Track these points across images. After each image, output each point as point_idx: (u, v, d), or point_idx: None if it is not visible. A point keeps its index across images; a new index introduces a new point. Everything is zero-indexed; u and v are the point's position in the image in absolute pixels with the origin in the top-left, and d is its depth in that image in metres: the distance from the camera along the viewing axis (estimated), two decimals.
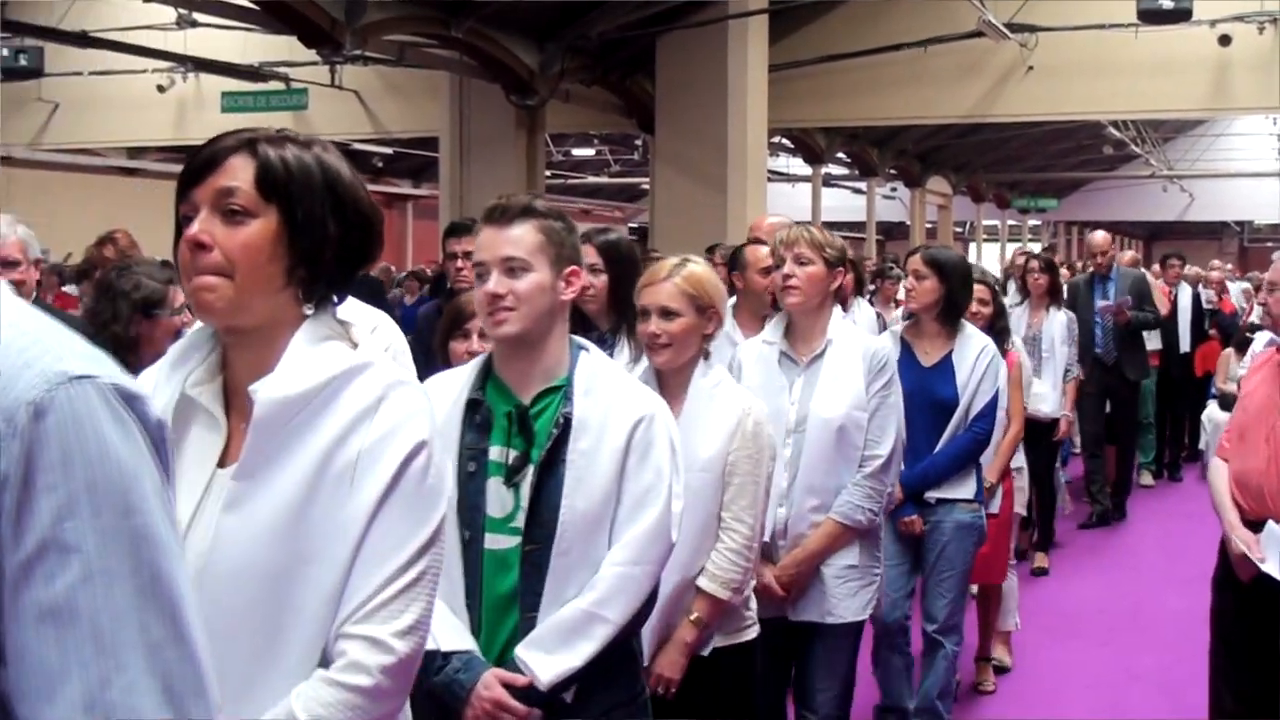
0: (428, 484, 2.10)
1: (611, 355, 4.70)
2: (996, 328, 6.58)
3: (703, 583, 3.76)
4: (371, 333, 3.60)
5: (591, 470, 3.00)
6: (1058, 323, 9.05)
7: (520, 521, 3.03)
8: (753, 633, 3.99)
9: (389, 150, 25.76)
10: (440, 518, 2.12)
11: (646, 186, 20.42)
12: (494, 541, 3.05)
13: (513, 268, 3.01)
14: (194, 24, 16.10)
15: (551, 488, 3.00)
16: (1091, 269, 10.86)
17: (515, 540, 3.03)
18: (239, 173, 2.09)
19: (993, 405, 5.66)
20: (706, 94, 14.37)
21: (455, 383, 3.19)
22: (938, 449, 5.59)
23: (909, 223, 29.07)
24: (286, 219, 2.08)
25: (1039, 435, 8.34)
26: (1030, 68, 16.81)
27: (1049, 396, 8.66)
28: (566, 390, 3.05)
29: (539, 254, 3.03)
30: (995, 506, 6.42)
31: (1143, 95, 17.21)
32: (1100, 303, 10.26)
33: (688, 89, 14.59)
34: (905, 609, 5.69)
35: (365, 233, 2.18)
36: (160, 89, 19.04)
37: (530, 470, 3.03)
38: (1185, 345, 13.24)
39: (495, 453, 3.07)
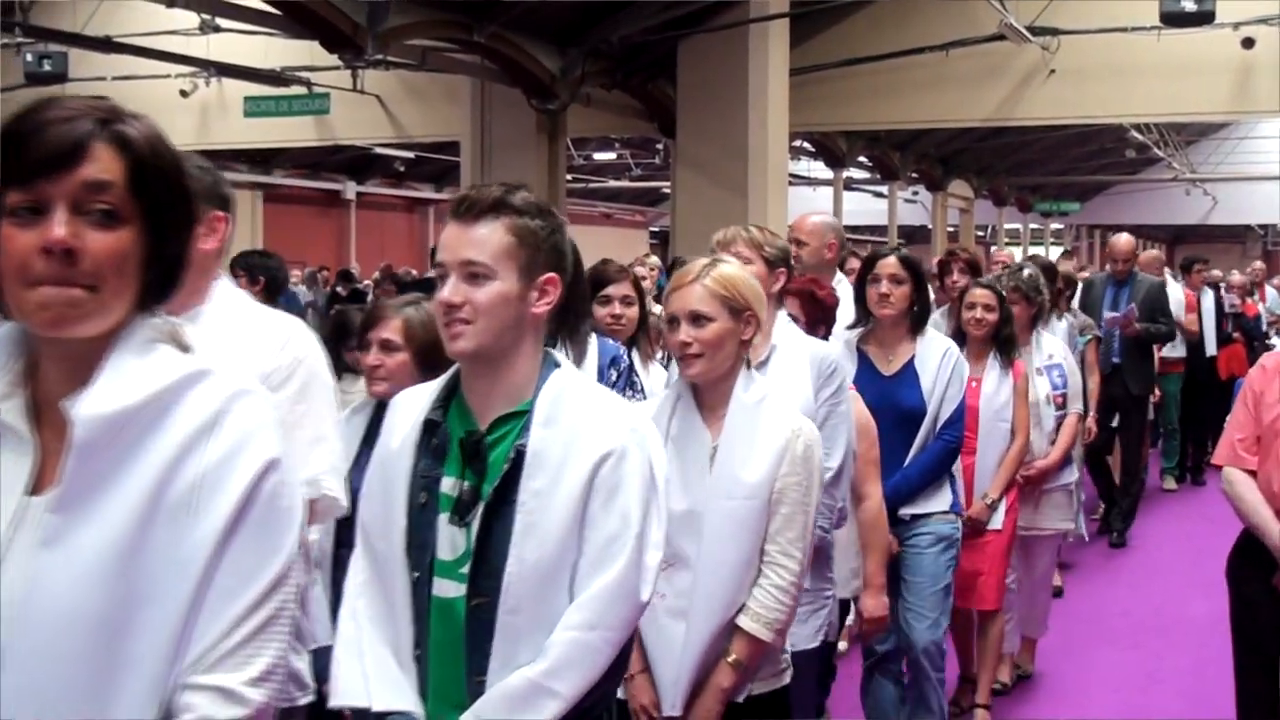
0: (280, 507, 1.81)
1: None
2: (1002, 336, 6.22)
3: (744, 622, 3.42)
4: (282, 348, 3.22)
5: (545, 514, 2.58)
6: (1059, 331, 8.13)
7: (469, 568, 2.63)
8: (789, 676, 3.71)
9: (410, 154, 25.83)
10: (294, 547, 1.82)
11: (667, 190, 20.42)
12: (441, 588, 2.65)
13: (474, 273, 2.61)
14: (217, 29, 16.15)
15: (500, 532, 2.60)
16: (1109, 271, 10.64)
17: (462, 589, 2.63)
18: (108, 164, 1.82)
19: (961, 410, 5.36)
20: (728, 97, 14.36)
21: (421, 399, 2.79)
22: (908, 462, 5.28)
23: (930, 226, 29.01)
24: (152, 221, 1.80)
25: None
26: (1052, 71, 16.77)
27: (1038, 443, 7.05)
28: (528, 417, 2.64)
29: (506, 259, 2.62)
30: (998, 523, 6.07)
31: (1165, 98, 17.15)
32: (1107, 314, 10.00)
33: (709, 93, 14.59)
34: (896, 636, 5.38)
35: (191, 224, 1.89)
36: (183, 94, 19.10)
37: (480, 509, 2.63)
38: (1211, 349, 13.13)
39: (448, 484, 2.67)
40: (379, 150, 24.60)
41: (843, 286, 6.26)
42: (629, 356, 4.97)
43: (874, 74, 17.01)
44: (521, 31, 14.09)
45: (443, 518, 2.65)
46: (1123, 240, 10.63)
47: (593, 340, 4.74)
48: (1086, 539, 8.99)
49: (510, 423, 2.66)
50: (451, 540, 2.64)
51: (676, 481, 3.34)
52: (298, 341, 3.33)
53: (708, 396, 3.53)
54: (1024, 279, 6.93)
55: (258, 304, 3.42)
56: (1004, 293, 6.44)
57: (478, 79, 15.44)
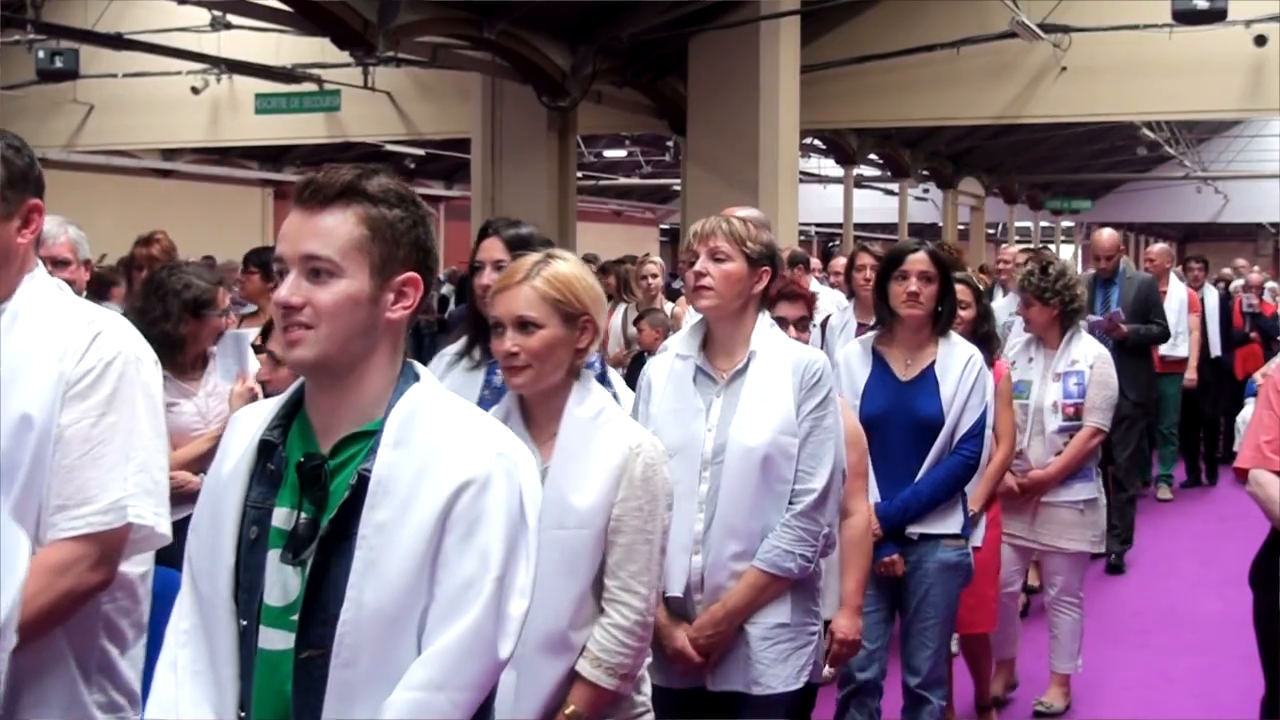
0: None
1: None
2: (980, 334, 5.76)
3: (582, 668, 3.05)
4: (89, 349, 2.72)
5: (389, 551, 2.19)
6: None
7: (300, 615, 2.24)
8: None
9: (421, 152, 25.83)
10: None
11: (678, 188, 20.43)
12: (268, 638, 2.25)
13: (317, 269, 2.24)
14: (228, 26, 16.17)
15: (337, 572, 2.20)
16: (1094, 270, 9.82)
17: (291, 640, 2.23)
18: None
19: (982, 423, 4.95)
20: (738, 95, 14.36)
21: (259, 416, 2.39)
22: (920, 476, 4.88)
23: (941, 224, 28.98)
24: None
25: None
26: (1064, 68, 16.74)
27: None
28: (377, 438, 2.25)
29: (355, 253, 2.25)
30: (978, 539, 5.58)
31: (1177, 96, 17.12)
32: (1090, 318, 8.80)
33: (719, 90, 14.58)
34: (882, 664, 5.00)
35: None
36: (194, 91, 19.13)
37: (315, 545, 2.25)
38: (1216, 349, 12.73)
39: (281, 516, 2.27)
40: (389, 147, 24.59)
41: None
42: (601, 362, 4.29)
43: (885, 71, 16.99)
44: (532, 28, 14.09)
45: (273, 555, 2.26)
46: (1105, 235, 9.86)
47: None
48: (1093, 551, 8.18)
49: (357, 444, 2.27)
50: (283, 583, 2.25)
51: None
52: (109, 341, 2.77)
53: (537, 412, 3.16)
54: (1031, 280, 6.52)
55: (73, 297, 2.91)
56: (1024, 290, 6.27)
57: (488, 76, 15.44)
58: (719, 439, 3.77)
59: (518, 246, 4.06)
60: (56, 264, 5.25)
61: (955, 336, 5.04)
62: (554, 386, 3.11)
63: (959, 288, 5.61)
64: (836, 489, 3.90)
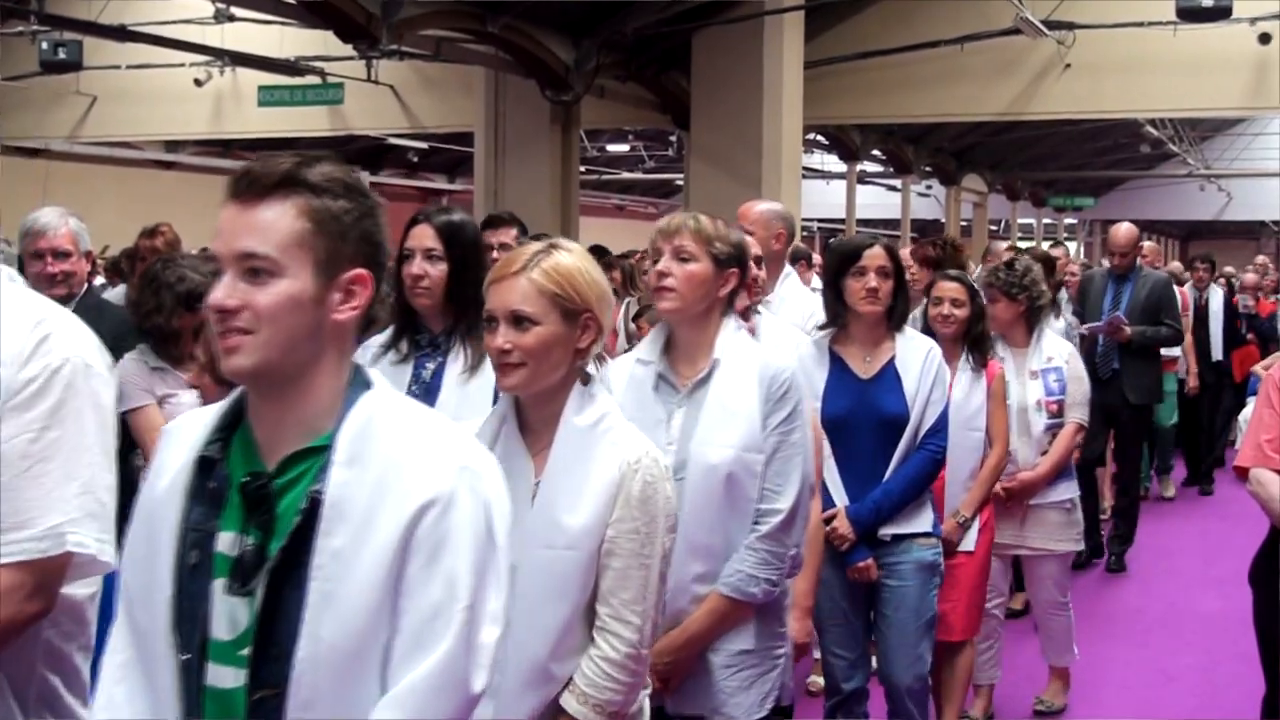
0: None
1: (444, 367, 4.03)
2: (974, 334, 5.66)
3: (567, 702, 2.83)
4: (34, 355, 2.39)
5: (347, 581, 2.00)
6: (1049, 329, 7.60)
7: (250, 651, 2.05)
8: None
9: (424, 145, 25.80)
10: None
11: (681, 183, 20.41)
12: (217, 675, 2.07)
13: (254, 268, 2.05)
14: (231, 18, 16.15)
15: (291, 604, 2.02)
16: (1109, 266, 9.64)
17: (243, 678, 2.05)
18: None
19: (945, 417, 4.83)
20: (742, 90, 14.34)
21: (196, 428, 2.18)
22: (888, 475, 4.77)
23: (944, 220, 28.97)
24: None
25: None
26: (1068, 65, 16.71)
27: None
28: (328, 454, 2.05)
29: (296, 250, 2.06)
30: (970, 543, 5.50)
31: (1181, 93, 17.08)
32: (1088, 324, 9.02)
33: (723, 85, 14.56)
34: (866, 671, 4.93)
35: None
36: (197, 83, 19.10)
37: (265, 573, 2.05)
38: (1217, 352, 12.51)
39: (225, 541, 2.08)
40: (393, 141, 24.58)
41: (790, 282, 5.94)
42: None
43: (888, 67, 16.97)
44: (535, 22, 14.08)
45: (218, 584, 2.07)
46: (1123, 230, 9.52)
47: None
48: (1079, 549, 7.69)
49: (306, 461, 2.07)
50: (230, 614, 2.06)
51: None
52: (58, 345, 2.46)
53: (532, 417, 2.91)
54: (999, 275, 6.34)
55: (23, 292, 2.63)
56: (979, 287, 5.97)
57: (492, 70, 15.43)
58: (680, 454, 3.53)
59: (449, 233, 4.06)
60: (57, 255, 5.27)
61: (910, 330, 4.95)
62: (551, 389, 2.87)
63: (952, 286, 5.66)
64: (804, 508, 3.68)
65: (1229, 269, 17.32)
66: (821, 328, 4.99)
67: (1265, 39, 15.80)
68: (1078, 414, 6.40)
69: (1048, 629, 6.48)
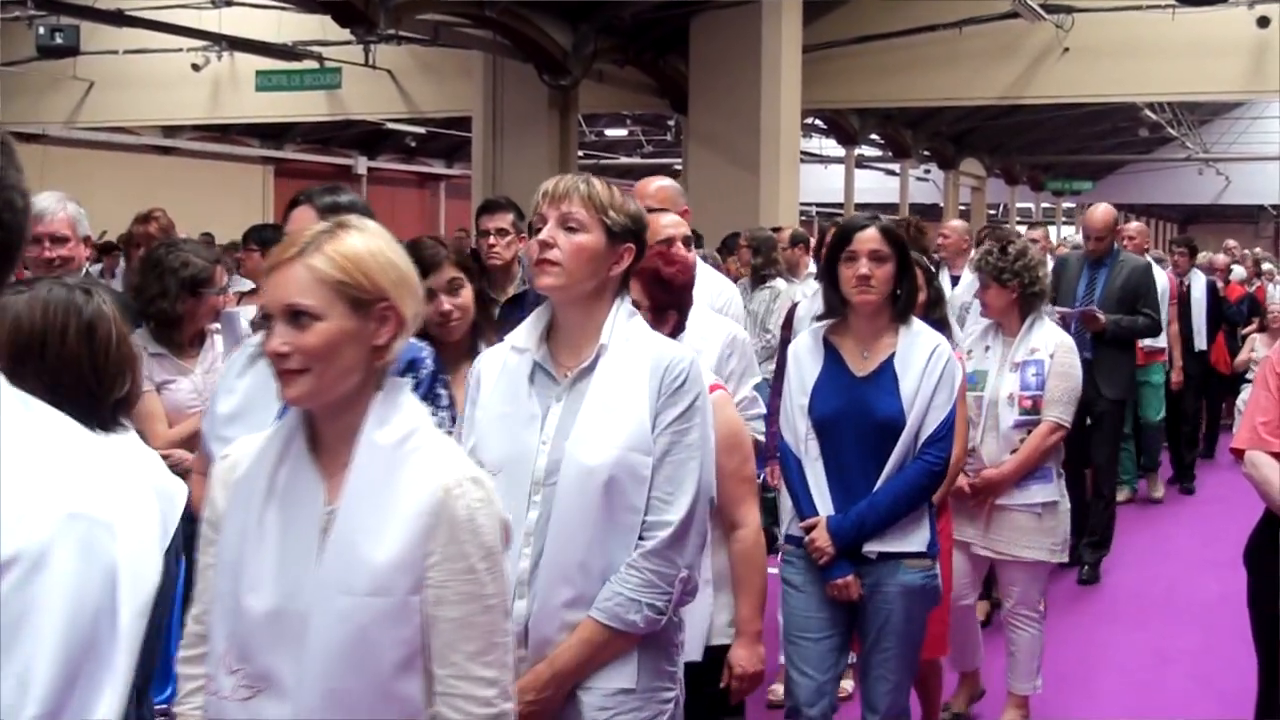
0: None
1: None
2: (930, 319, 5.00)
3: None
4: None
5: None
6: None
7: None
8: None
9: (422, 130, 25.82)
10: None
11: (679, 167, 20.39)
12: None
13: None
14: (229, 3, 16.16)
15: None
16: (1084, 250, 8.83)
17: None
18: None
19: (949, 424, 4.33)
20: (740, 74, 14.34)
21: None
22: (878, 486, 4.28)
23: (942, 205, 28.98)
24: None
25: None
26: (1066, 49, 16.72)
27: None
28: None
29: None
30: None
31: (1179, 77, 17.11)
32: (1057, 310, 7.85)
33: (721, 69, 14.56)
34: (832, 698, 4.44)
35: None
36: (195, 68, 19.10)
37: None
38: (1201, 342, 11.80)
39: None
40: (390, 125, 24.58)
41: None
42: (436, 360, 3.61)
43: (887, 51, 16.97)
44: (533, 7, 14.07)
45: None
46: (1099, 211, 8.77)
47: None
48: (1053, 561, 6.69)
49: None
50: None
51: (270, 562, 2.29)
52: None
53: (326, 433, 2.38)
54: (988, 260, 5.89)
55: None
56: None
57: (490, 54, 15.42)
58: (554, 454, 3.01)
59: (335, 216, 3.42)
60: (55, 240, 5.26)
61: (918, 324, 4.42)
62: (345, 398, 2.34)
63: None
64: (700, 522, 3.08)
65: (1230, 242, 17.22)
66: (819, 318, 4.53)
67: (1264, 22, 15.81)
68: (1056, 412, 5.77)
69: (1011, 642, 5.87)
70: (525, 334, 3.15)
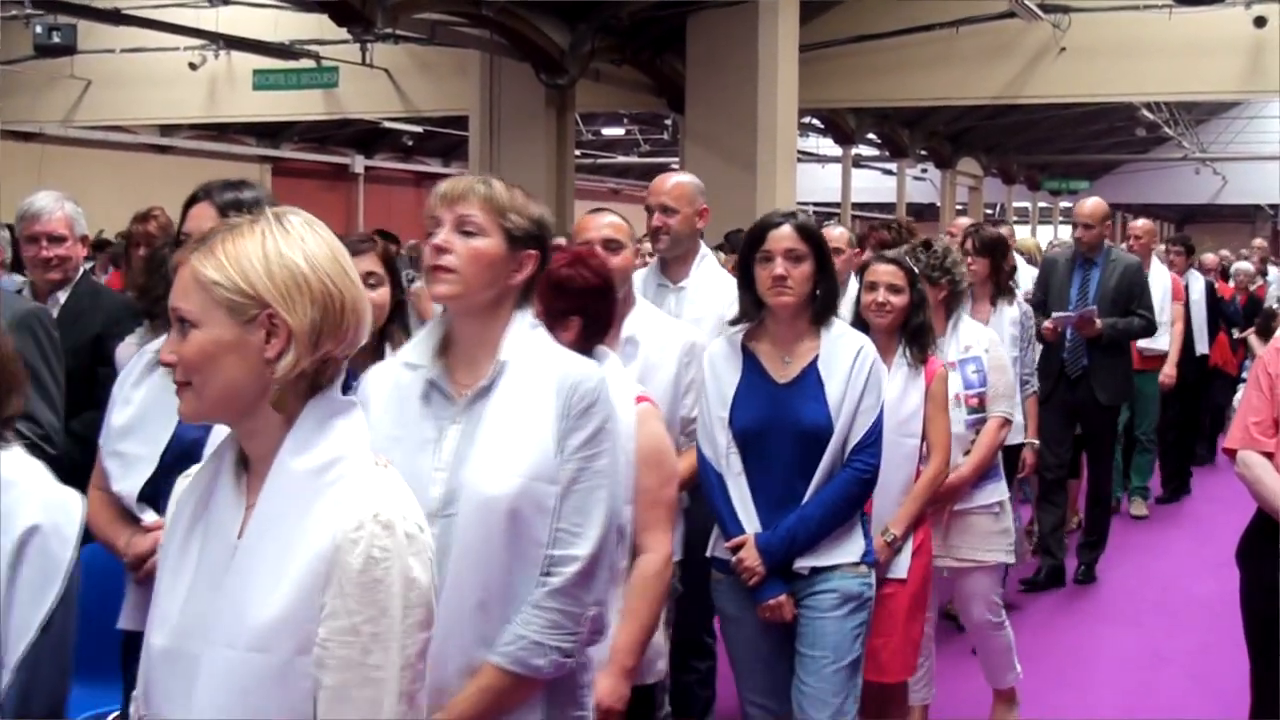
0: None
1: None
2: (912, 326, 4.85)
3: None
4: None
5: None
6: (1007, 320, 6.78)
7: None
8: None
9: (419, 129, 25.80)
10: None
11: (676, 166, 20.40)
12: None
13: None
14: (226, 2, 16.18)
15: None
16: (1074, 243, 8.38)
17: None
18: None
19: (878, 429, 4.10)
20: (737, 74, 14.33)
21: None
22: (807, 497, 4.04)
23: (939, 204, 29.00)
24: None
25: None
26: (1063, 49, 16.73)
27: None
28: None
29: None
30: (902, 569, 4.66)
31: (1176, 77, 17.13)
32: (1054, 314, 7.86)
33: (718, 68, 14.56)
34: None
35: None
36: (192, 66, 19.10)
37: None
38: (1202, 345, 11.27)
39: None
40: (387, 124, 24.57)
41: (706, 265, 5.23)
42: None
43: (883, 51, 16.98)
44: (530, 6, 14.07)
45: None
46: (1089, 204, 8.32)
47: None
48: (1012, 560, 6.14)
49: None
50: None
51: (179, 596, 2.06)
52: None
53: (251, 454, 2.12)
54: (918, 258, 5.48)
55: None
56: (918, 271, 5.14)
57: (487, 53, 15.42)
58: (451, 483, 2.74)
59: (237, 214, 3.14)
60: (52, 240, 5.26)
61: (840, 325, 4.18)
62: (249, 417, 2.07)
63: (888, 270, 4.84)
64: (610, 554, 2.84)
65: (1224, 252, 17.23)
66: (733, 323, 4.23)
67: (1260, 22, 15.82)
68: (1004, 406, 5.61)
69: (984, 650, 5.70)
70: (418, 348, 2.88)
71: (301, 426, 2.04)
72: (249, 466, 2.10)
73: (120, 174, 22.82)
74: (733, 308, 4.76)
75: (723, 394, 4.12)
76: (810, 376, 4.05)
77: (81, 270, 5.52)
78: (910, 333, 4.83)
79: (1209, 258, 13.24)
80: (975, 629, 5.68)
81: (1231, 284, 13.58)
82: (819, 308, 4.10)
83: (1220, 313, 12.17)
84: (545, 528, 2.72)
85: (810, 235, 4.05)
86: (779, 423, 4.04)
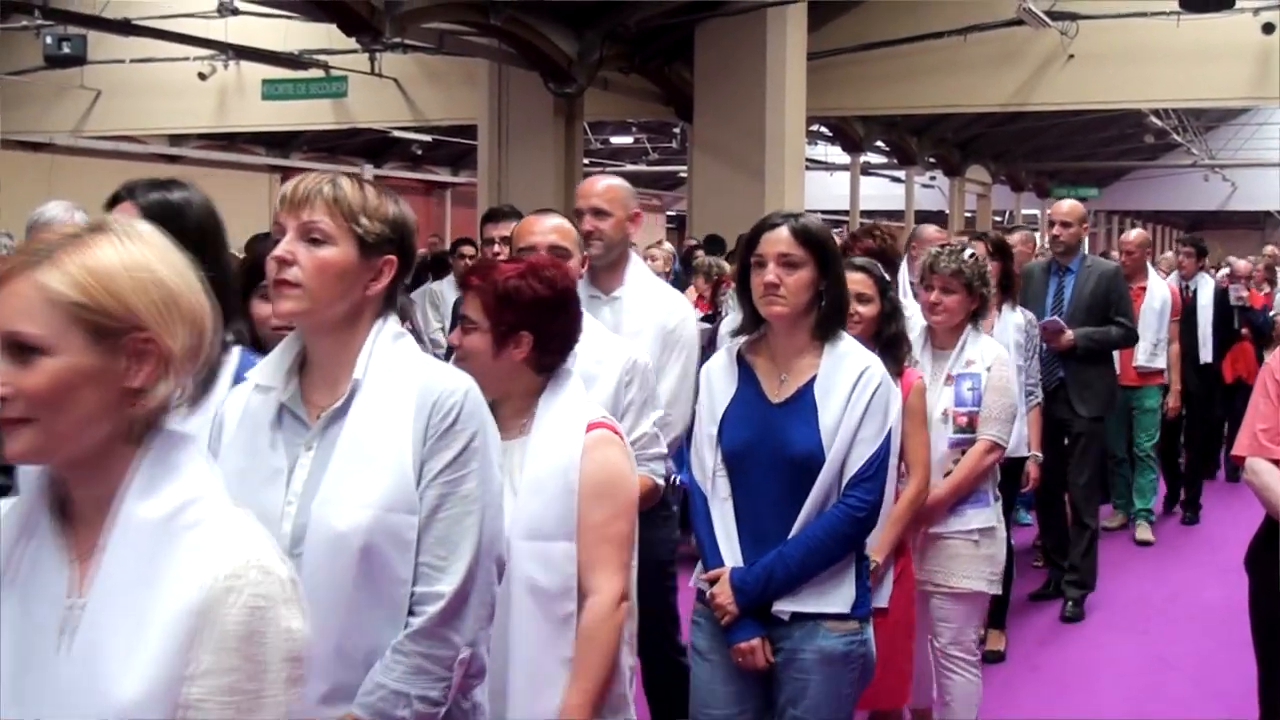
0: None
1: None
2: (885, 336, 4.54)
3: None
4: None
5: None
6: (1012, 326, 6.48)
7: None
8: None
9: (428, 138, 25.86)
10: None
11: (684, 174, 20.43)
12: None
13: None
14: (235, 12, 16.17)
15: None
16: (1051, 251, 8.04)
17: None
18: None
19: (880, 461, 3.65)
20: (745, 82, 14.36)
21: None
22: (793, 533, 3.62)
23: (948, 211, 29.00)
24: None
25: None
26: (1071, 56, 16.73)
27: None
28: None
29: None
30: (884, 599, 4.38)
31: (1184, 84, 17.11)
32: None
33: (726, 77, 14.58)
34: None
35: None
36: (202, 76, 19.15)
37: None
38: (1207, 354, 10.52)
39: None
40: (396, 133, 24.63)
41: (635, 271, 4.82)
42: None
43: (892, 59, 16.99)
44: (538, 15, 14.10)
45: None
46: (1064, 206, 8.04)
47: (233, 355, 3.01)
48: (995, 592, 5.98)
49: None
50: None
51: (5, 665, 1.78)
52: None
53: (79, 500, 1.83)
54: (966, 263, 5.22)
55: None
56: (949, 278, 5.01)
57: (495, 62, 15.46)
58: (301, 517, 2.46)
59: (162, 215, 2.88)
60: None
61: (848, 342, 3.75)
62: (92, 457, 1.79)
63: (857, 278, 4.46)
64: (484, 588, 2.52)
65: (1232, 259, 17.01)
66: (735, 333, 3.89)
67: (1269, 29, 15.81)
68: (993, 430, 5.15)
69: (945, 689, 5.17)
70: (270, 368, 2.59)
71: (144, 468, 1.79)
72: (68, 512, 1.83)
73: None
74: (673, 315, 4.67)
75: (714, 410, 3.77)
76: (805, 398, 3.66)
77: None
78: (884, 344, 4.47)
79: (1241, 265, 12.53)
80: (937, 659, 5.15)
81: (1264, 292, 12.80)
82: (821, 320, 3.68)
83: (1248, 323, 11.57)
84: (406, 563, 2.44)
85: (811, 239, 3.65)
86: (767, 446, 3.66)
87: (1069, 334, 7.54)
